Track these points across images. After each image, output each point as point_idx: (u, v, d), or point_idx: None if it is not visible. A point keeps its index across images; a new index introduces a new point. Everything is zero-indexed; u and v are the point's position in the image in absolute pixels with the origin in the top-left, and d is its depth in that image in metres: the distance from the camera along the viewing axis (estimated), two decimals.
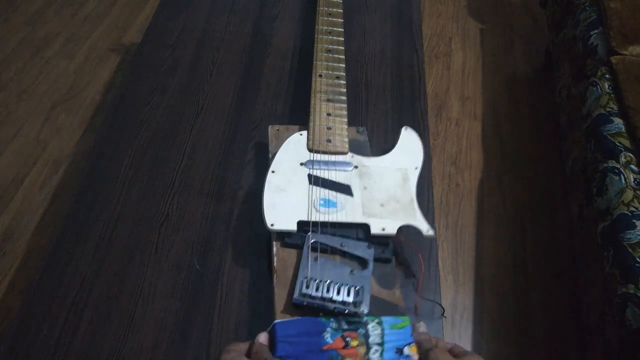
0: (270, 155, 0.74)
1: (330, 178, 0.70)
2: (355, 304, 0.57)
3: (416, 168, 0.73)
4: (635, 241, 0.93)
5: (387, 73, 1.02)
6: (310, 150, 0.74)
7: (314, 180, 0.69)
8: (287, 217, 0.65)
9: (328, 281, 0.59)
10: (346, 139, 0.75)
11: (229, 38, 1.07)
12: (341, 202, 0.67)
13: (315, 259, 0.62)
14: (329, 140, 0.75)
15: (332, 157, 0.73)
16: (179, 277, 0.71)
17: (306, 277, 0.59)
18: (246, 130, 0.90)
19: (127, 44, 1.96)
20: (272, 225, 0.64)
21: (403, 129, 0.78)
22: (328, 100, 0.80)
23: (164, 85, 0.97)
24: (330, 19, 0.94)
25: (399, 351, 0.52)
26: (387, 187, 0.70)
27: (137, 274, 0.71)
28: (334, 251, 0.64)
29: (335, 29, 0.92)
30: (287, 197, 0.67)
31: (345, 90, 0.82)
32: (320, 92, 0.81)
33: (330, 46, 0.89)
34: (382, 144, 0.87)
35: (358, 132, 0.81)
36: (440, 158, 1.62)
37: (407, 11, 1.16)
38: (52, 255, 0.72)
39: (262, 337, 0.54)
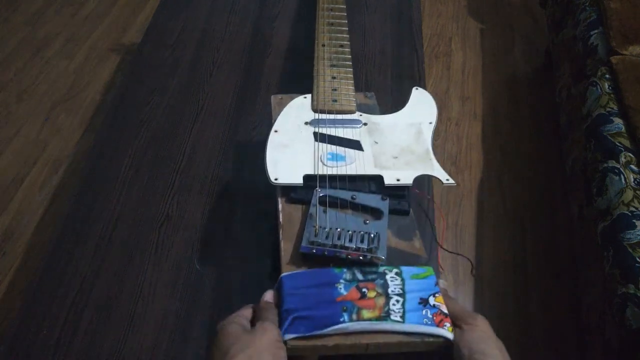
0: (273, 122, 0.70)
1: (337, 135, 0.66)
2: (370, 250, 0.52)
3: (430, 123, 0.70)
4: (635, 241, 0.93)
5: (387, 73, 1.02)
6: (315, 110, 0.70)
7: (320, 138, 0.65)
8: (291, 171, 0.61)
9: (339, 229, 0.53)
10: (353, 99, 0.72)
11: (229, 38, 1.07)
12: (350, 156, 0.63)
13: (324, 212, 0.57)
14: (334, 100, 0.71)
15: (339, 116, 0.70)
16: (179, 277, 0.71)
17: (314, 226, 0.54)
18: (246, 130, 0.90)
19: (127, 44, 1.96)
20: (275, 179, 0.60)
21: (414, 89, 0.75)
22: (332, 65, 0.77)
23: (164, 85, 0.97)
24: None
25: (423, 301, 0.48)
26: (400, 141, 0.67)
27: (137, 274, 0.71)
28: (344, 205, 0.58)
29: (337, 6, 0.91)
30: (291, 153, 0.63)
31: (350, 57, 0.79)
32: (324, 59, 0.79)
33: (333, 20, 0.87)
34: None
35: (366, 96, 0.78)
36: (440, 158, 1.61)
37: (407, 11, 1.16)
38: (52, 255, 0.72)
39: (268, 295, 0.49)
